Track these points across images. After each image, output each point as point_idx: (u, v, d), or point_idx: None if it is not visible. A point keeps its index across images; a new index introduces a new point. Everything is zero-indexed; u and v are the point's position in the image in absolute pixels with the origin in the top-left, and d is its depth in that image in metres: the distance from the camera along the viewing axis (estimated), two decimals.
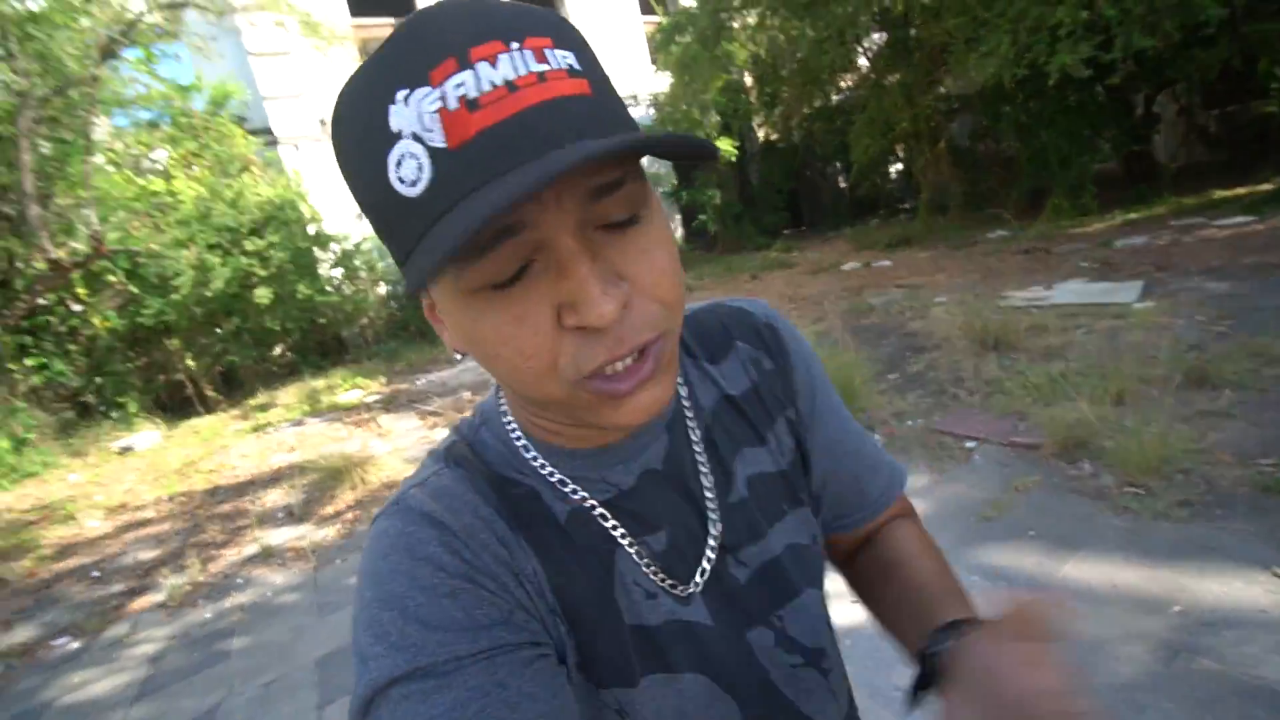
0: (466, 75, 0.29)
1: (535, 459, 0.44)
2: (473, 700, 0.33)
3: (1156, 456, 2.41)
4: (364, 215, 0.35)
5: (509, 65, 0.29)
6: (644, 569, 0.44)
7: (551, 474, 0.43)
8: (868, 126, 10.16)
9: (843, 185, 15.64)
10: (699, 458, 0.47)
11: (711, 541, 0.46)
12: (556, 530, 0.43)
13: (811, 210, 15.92)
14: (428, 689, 0.33)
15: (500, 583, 0.38)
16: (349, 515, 3.90)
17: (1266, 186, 6.87)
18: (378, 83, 0.31)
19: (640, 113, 14.78)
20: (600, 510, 0.43)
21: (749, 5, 8.95)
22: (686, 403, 0.49)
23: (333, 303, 9.02)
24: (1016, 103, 8.48)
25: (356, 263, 9.49)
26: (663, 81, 13.46)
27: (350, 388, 7.44)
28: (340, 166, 0.34)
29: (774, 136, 15.08)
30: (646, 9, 14.58)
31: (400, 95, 0.30)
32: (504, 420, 0.45)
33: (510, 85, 0.29)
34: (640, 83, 14.58)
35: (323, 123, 9.60)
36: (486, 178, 0.29)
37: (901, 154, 11.94)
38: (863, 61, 11.91)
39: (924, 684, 0.44)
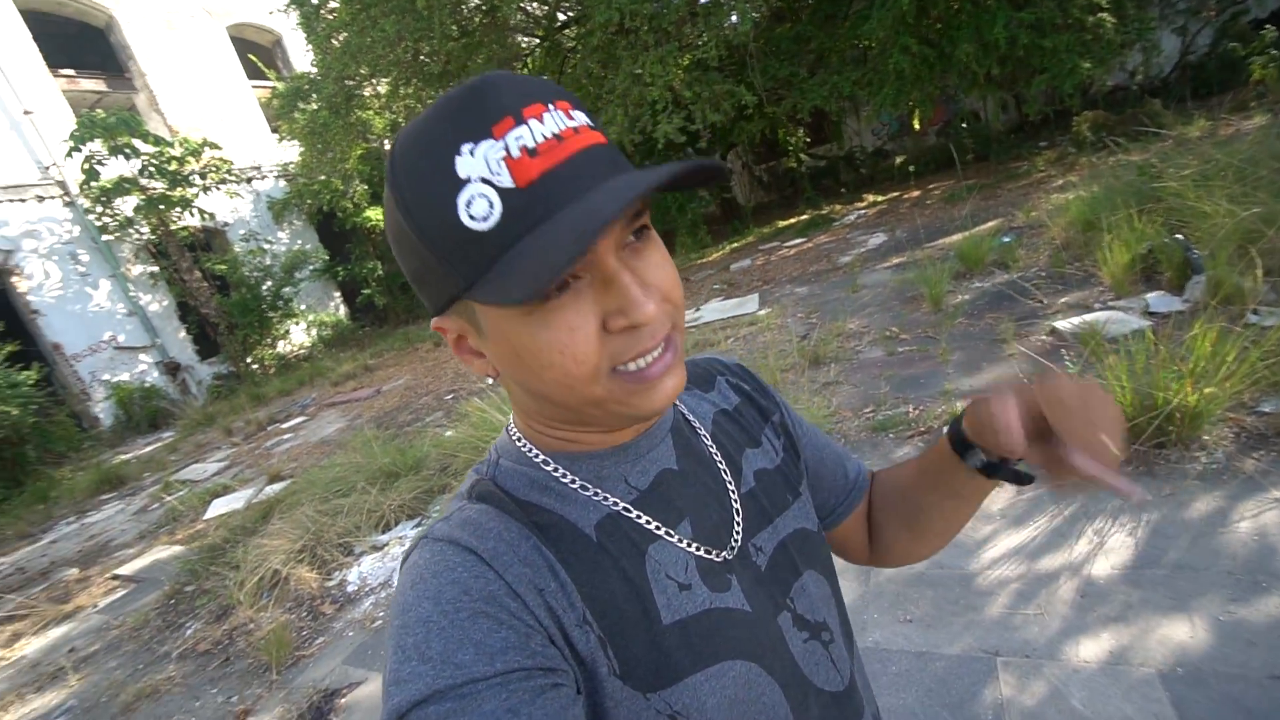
0: (523, 129, 0.35)
1: (555, 469, 0.46)
2: None
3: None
4: (411, 249, 0.39)
5: (552, 121, 0.36)
6: (681, 547, 0.47)
7: (572, 481, 0.46)
8: None
9: None
10: (714, 454, 0.54)
11: (737, 526, 0.51)
12: (587, 544, 0.44)
13: None
14: (444, 712, 0.34)
15: (522, 602, 0.39)
16: None
17: (805, 216, 9.64)
18: (441, 138, 0.36)
19: (269, 185, 13.19)
20: (625, 507, 0.46)
21: (378, 74, 8.72)
22: (690, 416, 0.56)
23: None
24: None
25: None
26: (290, 151, 12.26)
27: None
28: (401, 209, 0.38)
29: None
30: (255, 73, 13.14)
31: (465, 148, 0.35)
32: (519, 445, 0.48)
33: (558, 137, 0.36)
34: (263, 152, 13.03)
35: None
36: (553, 210, 0.35)
37: None
38: None
39: (961, 446, 0.53)
